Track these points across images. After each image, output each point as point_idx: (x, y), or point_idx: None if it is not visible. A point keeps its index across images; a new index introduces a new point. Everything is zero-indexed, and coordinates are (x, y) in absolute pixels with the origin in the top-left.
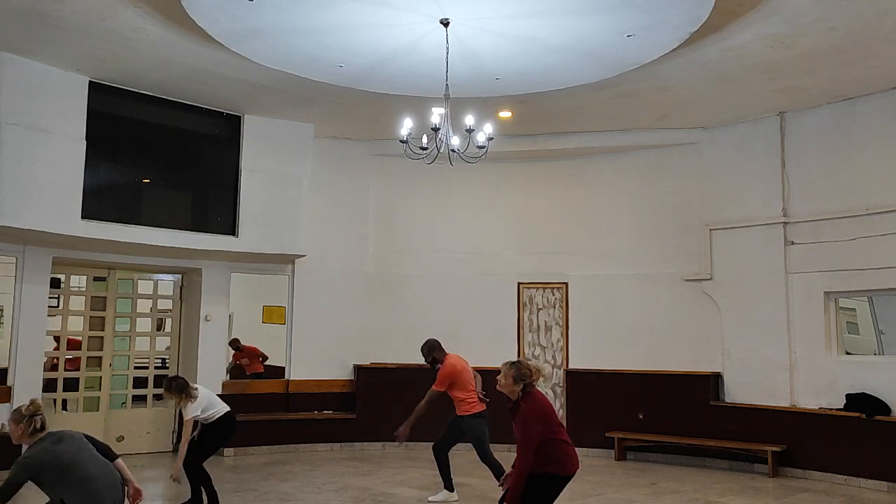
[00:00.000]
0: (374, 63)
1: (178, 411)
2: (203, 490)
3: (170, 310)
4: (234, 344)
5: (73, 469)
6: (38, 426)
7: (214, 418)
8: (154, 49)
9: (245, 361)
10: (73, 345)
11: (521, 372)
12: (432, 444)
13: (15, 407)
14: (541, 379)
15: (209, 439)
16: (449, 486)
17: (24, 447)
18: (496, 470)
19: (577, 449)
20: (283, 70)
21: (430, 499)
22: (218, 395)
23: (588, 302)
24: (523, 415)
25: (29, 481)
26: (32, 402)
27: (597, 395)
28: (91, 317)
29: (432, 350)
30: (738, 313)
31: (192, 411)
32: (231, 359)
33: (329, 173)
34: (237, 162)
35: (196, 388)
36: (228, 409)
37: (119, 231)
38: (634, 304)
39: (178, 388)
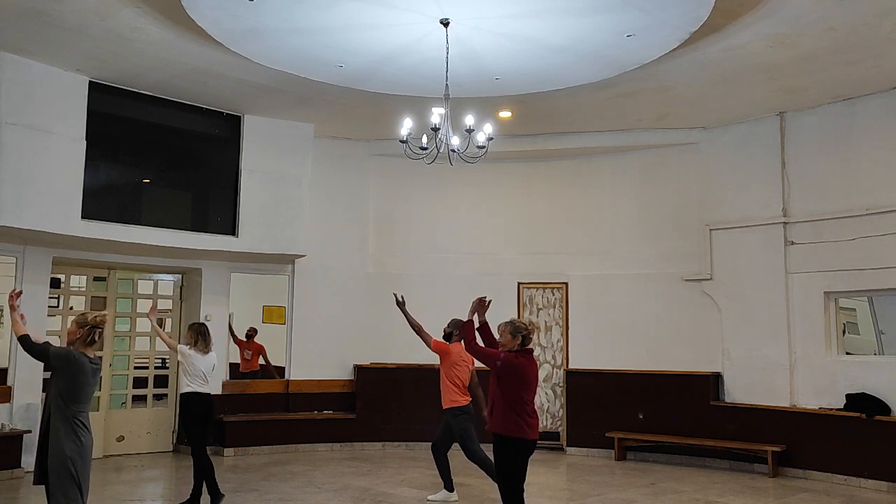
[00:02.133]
0: (374, 63)
1: (177, 405)
2: (201, 480)
3: (170, 310)
4: (251, 332)
5: (86, 395)
6: (95, 338)
7: (188, 388)
8: (154, 49)
9: (248, 355)
10: None
11: (517, 325)
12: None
13: (84, 312)
14: (536, 332)
15: (186, 421)
16: (449, 486)
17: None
18: (487, 467)
19: (576, 449)
20: (283, 70)
21: (430, 498)
22: (217, 395)
23: (588, 302)
24: (505, 356)
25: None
26: (101, 315)
27: (597, 395)
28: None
29: (454, 326)
30: (738, 313)
31: (184, 351)
32: (237, 343)
33: (329, 173)
34: (237, 162)
35: (208, 352)
36: (207, 392)
37: (119, 231)
38: (634, 304)
39: (198, 330)
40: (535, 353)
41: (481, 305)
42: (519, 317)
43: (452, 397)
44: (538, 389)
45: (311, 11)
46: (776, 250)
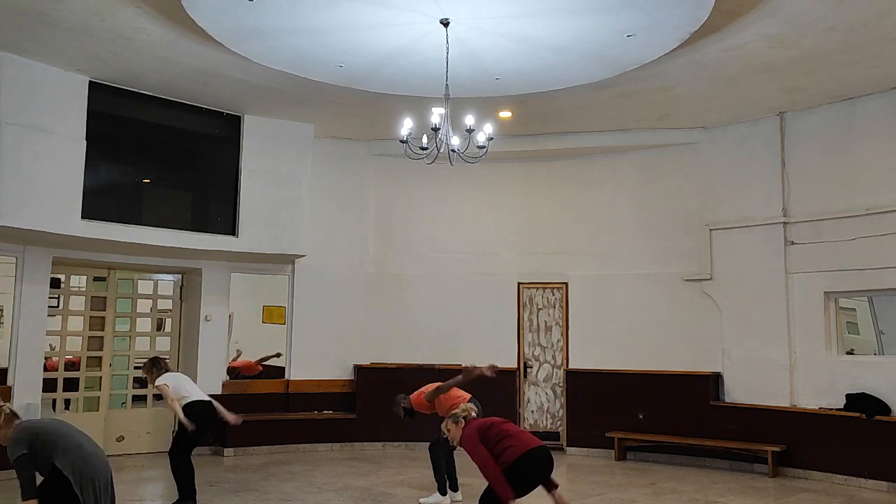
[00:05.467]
0: (374, 63)
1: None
2: (180, 484)
3: (170, 310)
4: (236, 356)
5: (63, 436)
6: (10, 412)
7: (186, 401)
8: (154, 49)
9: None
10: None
11: (457, 416)
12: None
13: None
14: (473, 413)
15: (183, 429)
16: (453, 487)
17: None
18: (438, 475)
19: (577, 449)
20: (283, 70)
21: (421, 500)
22: (217, 395)
23: (588, 302)
24: (465, 443)
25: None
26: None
27: (597, 395)
28: (91, 317)
29: (399, 404)
30: (738, 313)
31: (162, 380)
32: (235, 366)
33: (329, 173)
34: (237, 162)
35: (166, 370)
36: (207, 399)
37: (119, 231)
38: (634, 304)
39: (152, 363)
40: (536, 354)
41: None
42: (519, 317)
43: (454, 403)
44: (538, 389)
45: (311, 11)
46: (776, 250)
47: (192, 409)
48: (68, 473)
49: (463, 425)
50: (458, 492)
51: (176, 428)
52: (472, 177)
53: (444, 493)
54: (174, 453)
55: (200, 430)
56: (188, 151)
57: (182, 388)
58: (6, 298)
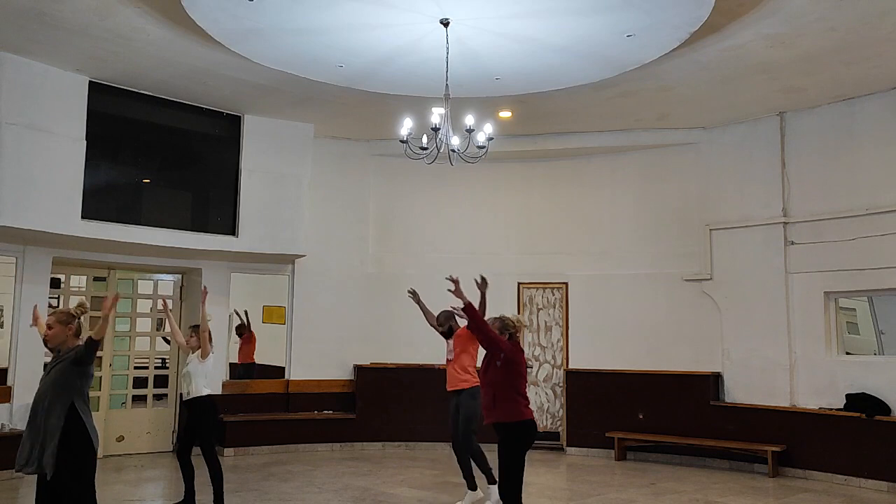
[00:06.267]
0: (374, 63)
1: (178, 409)
2: (214, 480)
3: (170, 310)
4: (240, 329)
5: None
6: (79, 331)
7: (207, 391)
8: (154, 49)
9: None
10: None
11: (505, 322)
12: (450, 444)
13: (60, 309)
14: (519, 333)
15: (207, 425)
16: (472, 485)
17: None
18: (463, 462)
19: (577, 449)
20: (283, 70)
21: None
22: (218, 395)
23: (588, 302)
24: (506, 347)
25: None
26: (80, 304)
27: (597, 395)
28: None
29: (449, 319)
30: (738, 313)
31: (211, 352)
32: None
33: (329, 173)
34: (237, 162)
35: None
36: (210, 392)
37: (119, 231)
38: (634, 304)
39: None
40: (536, 354)
41: (484, 284)
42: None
43: (469, 377)
44: (538, 389)
45: (311, 11)
46: (776, 250)
47: (205, 402)
48: (86, 423)
49: (506, 336)
50: (478, 490)
51: (176, 427)
52: (472, 177)
53: (474, 489)
54: (207, 451)
55: (215, 424)
56: (188, 151)
57: (209, 375)
58: (6, 298)
